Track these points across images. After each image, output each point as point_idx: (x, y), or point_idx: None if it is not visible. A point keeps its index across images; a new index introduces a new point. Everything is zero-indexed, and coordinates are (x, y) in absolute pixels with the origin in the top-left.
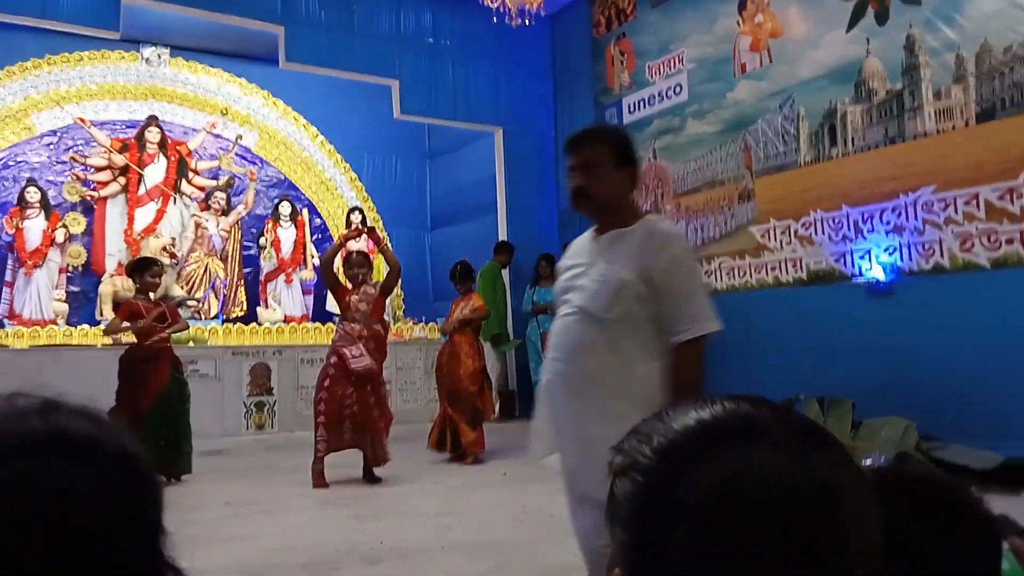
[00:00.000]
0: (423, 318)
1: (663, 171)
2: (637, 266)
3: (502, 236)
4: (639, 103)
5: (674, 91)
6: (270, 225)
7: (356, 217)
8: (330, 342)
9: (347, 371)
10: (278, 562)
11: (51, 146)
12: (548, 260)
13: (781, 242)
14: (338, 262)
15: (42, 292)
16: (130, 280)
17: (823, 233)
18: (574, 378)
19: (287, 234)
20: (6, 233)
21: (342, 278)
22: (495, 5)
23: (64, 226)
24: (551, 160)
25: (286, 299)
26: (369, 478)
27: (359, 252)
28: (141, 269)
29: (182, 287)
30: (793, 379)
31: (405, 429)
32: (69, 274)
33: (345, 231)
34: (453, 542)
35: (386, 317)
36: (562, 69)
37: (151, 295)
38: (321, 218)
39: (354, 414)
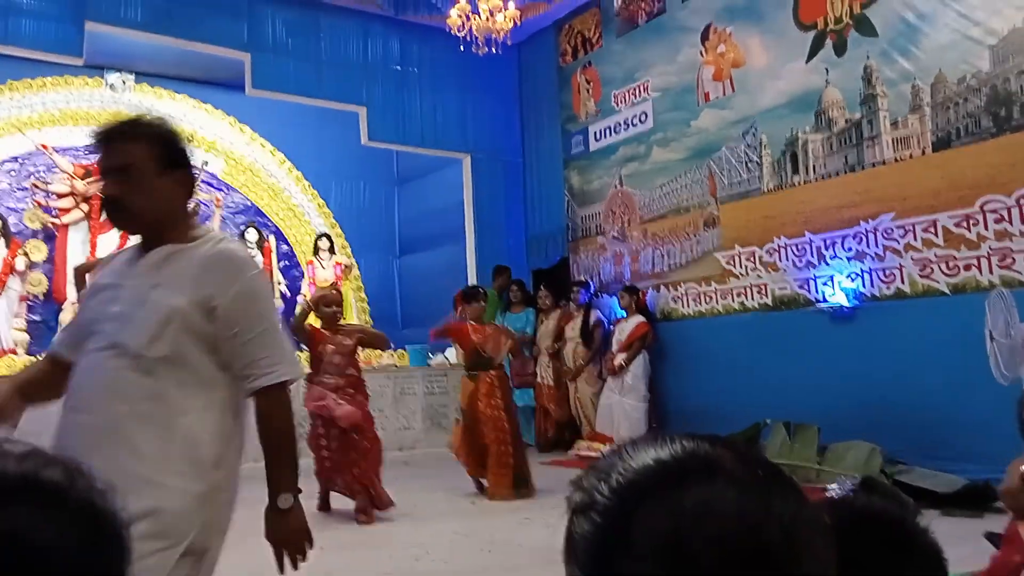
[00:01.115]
0: (392, 345)
1: (629, 198)
2: (195, 293)
3: (471, 262)
4: (605, 131)
5: (639, 119)
6: None
7: (324, 243)
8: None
9: (330, 421)
10: None
11: (12, 172)
12: (519, 286)
13: (746, 268)
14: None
15: (1, 321)
16: None
17: (787, 259)
18: (93, 432)
19: None
20: None
21: (311, 319)
22: (462, 34)
23: (25, 254)
24: (518, 186)
25: None
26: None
27: (334, 288)
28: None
29: None
30: (760, 404)
31: None
32: (30, 302)
33: (316, 285)
34: (420, 572)
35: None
36: (529, 97)
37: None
38: (288, 244)
39: (340, 464)
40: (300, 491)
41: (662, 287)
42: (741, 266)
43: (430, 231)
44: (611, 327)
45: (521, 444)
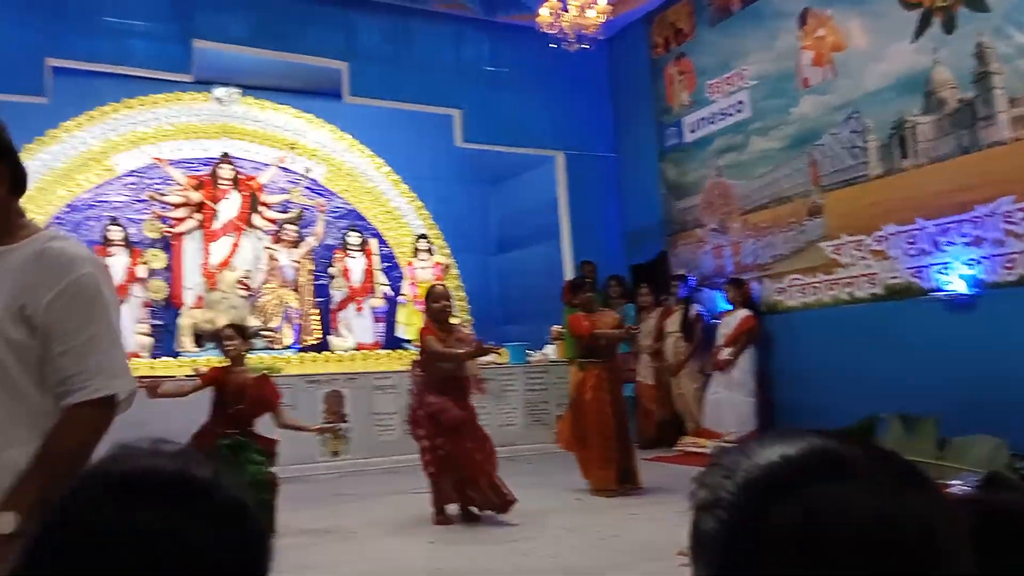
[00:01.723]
0: (492, 342)
1: (728, 189)
2: (14, 300)
3: (567, 259)
4: (700, 122)
5: (736, 108)
6: (339, 255)
7: (422, 244)
8: (412, 386)
9: (438, 423)
10: None
11: (131, 186)
12: (618, 280)
13: (854, 257)
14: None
15: (126, 326)
16: (208, 312)
17: (898, 247)
18: None
19: (356, 263)
20: None
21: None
22: (553, 31)
23: (145, 262)
24: (613, 181)
25: (357, 327)
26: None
27: (440, 284)
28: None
29: (258, 318)
30: (873, 397)
31: None
32: (152, 308)
33: (416, 285)
34: (528, 567)
35: None
36: (621, 91)
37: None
38: (388, 246)
39: (460, 465)
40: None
41: (765, 279)
42: (848, 255)
43: (525, 229)
44: (714, 321)
45: (627, 438)
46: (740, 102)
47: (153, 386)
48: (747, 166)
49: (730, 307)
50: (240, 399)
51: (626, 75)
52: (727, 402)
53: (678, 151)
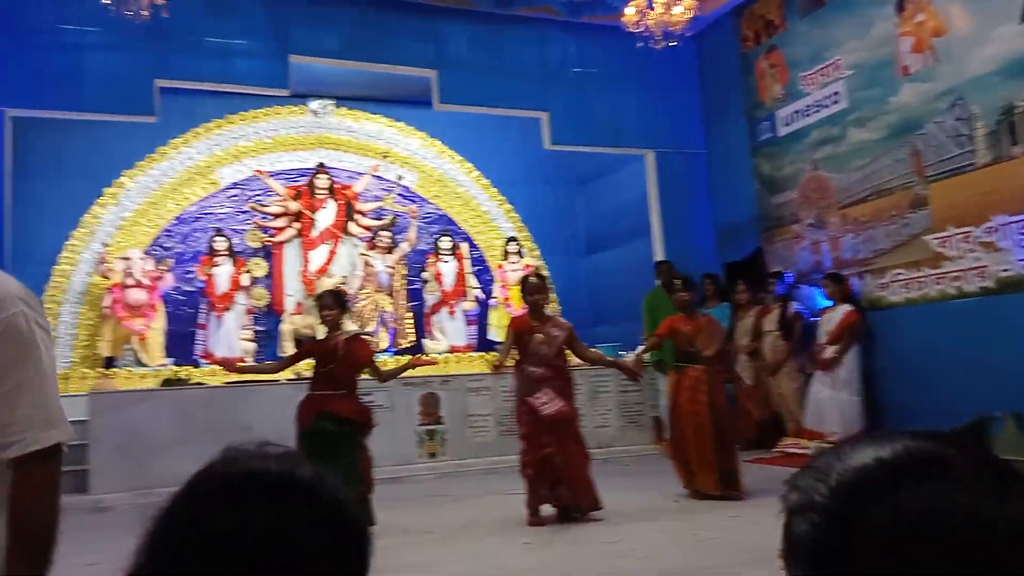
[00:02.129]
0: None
1: (825, 182)
2: None
3: (658, 258)
4: (795, 115)
5: (832, 100)
6: (432, 259)
7: (512, 247)
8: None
9: (540, 420)
10: None
11: (234, 198)
12: (712, 279)
13: (962, 250)
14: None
15: (232, 333)
16: (307, 318)
17: (1009, 238)
18: None
19: (448, 267)
20: (199, 280)
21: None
22: (639, 30)
23: (248, 271)
24: (704, 178)
25: (450, 330)
26: (572, 515)
27: (536, 275)
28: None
29: (355, 323)
30: (985, 395)
31: None
32: (254, 315)
33: (507, 287)
34: (625, 570)
35: None
36: (711, 87)
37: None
38: (479, 250)
39: (557, 464)
40: None
41: (866, 274)
42: (955, 248)
43: (616, 229)
44: (813, 319)
45: (728, 442)
46: (836, 93)
47: (231, 362)
48: (845, 158)
49: (829, 303)
50: (331, 359)
51: (715, 70)
52: (831, 402)
53: (772, 145)
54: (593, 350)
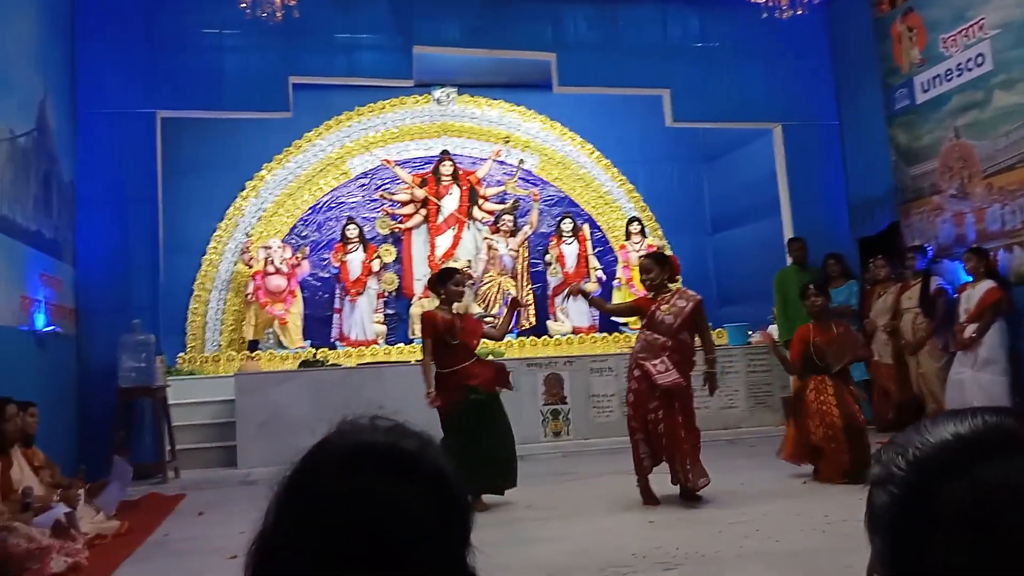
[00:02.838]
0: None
1: (968, 150)
2: None
3: (788, 235)
4: (934, 80)
5: (975, 62)
6: (554, 242)
7: (635, 227)
8: (629, 351)
9: (652, 386)
10: (576, 565)
11: (364, 187)
12: (836, 259)
13: None
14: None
15: (364, 316)
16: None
17: None
18: None
19: (570, 249)
20: (333, 266)
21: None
22: (764, 0)
23: (379, 257)
24: (836, 151)
25: (573, 311)
26: (686, 496)
27: (646, 256)
28: (444, 278)
29: (479, 305)
30: None
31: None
32: (385, 299)
33: (630, 268)
34: (750, 550)
35: None
36: (842, 55)
37: (454, 307)
38: (601, 231)
39: (659, 433)
40: None
41: (1015, 247)
42: None
43: (742, 206)
44: (956, 295)
45: (860, 435)
46: (980, 55)
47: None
48: (990, 124)
49: (971, 279)
50: (454, 334)
51: (847, 37)
52: (973, 382)
53: (909, 114)
54: (708, 336)
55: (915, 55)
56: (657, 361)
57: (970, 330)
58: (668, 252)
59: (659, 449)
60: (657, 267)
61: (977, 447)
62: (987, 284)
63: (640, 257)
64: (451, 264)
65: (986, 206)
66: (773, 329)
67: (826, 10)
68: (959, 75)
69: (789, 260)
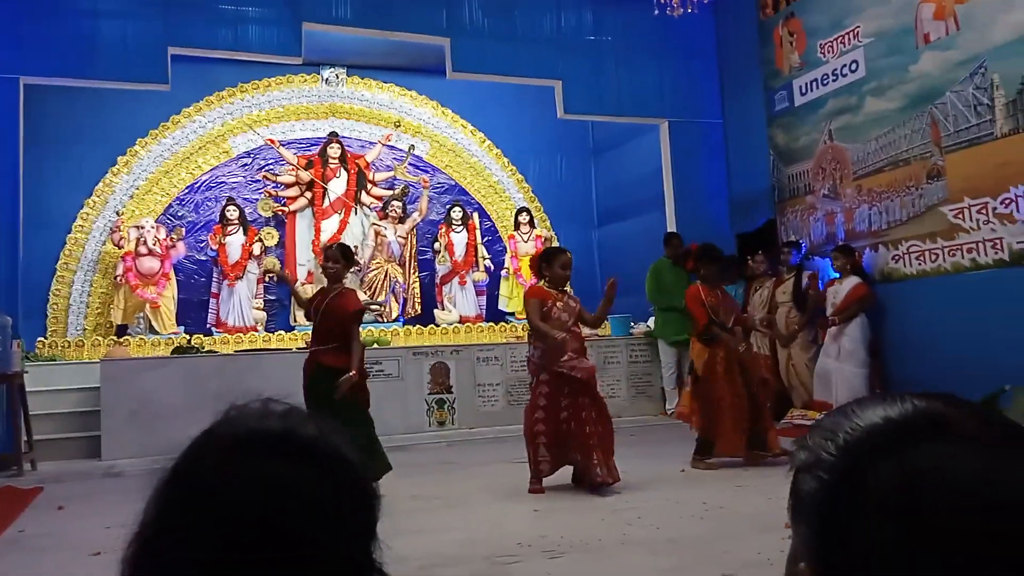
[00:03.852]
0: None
1: (841, 153)
2: None
3: (671, 229)
4: (812, 84)
5: (850, 68)
6: (443, 230)
7: (524, 217)
8: (516, 341)
9: (561, 385)
10: (463, 555)
11: (246, 167)
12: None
13: (978, 221)
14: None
15: (243, 302)
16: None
17: None
18: None
19: (459, 238)
20: (211, 248)
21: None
22: None
23: (260, 240)
24: (719, 149)
25: (460, 300)
26: (593, 491)
27: (565, 253)
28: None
29: (365, 292)
30: (997, 369)
31: None
32: (265, 284)
33: (518, 258)
34: (634, 538)
35: None
36: (728, 56)
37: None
38: (491, 220)
39: (571, 430)
40: None
41: (880, 246)
42: (971, 220)
43: (628, 200)
44: (824, 290)
45: (760, 404)
46: (854, 62)
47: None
48: (862, 128)
49: (838, 276)
50: (317, 313)
51: (733, 39)
52: (838, 373)
53: (787, 115)
54: (593, 314)
55: (795, 59)
56: (565, 357)
57: (832, 317)
58: (555, 243)
59: (566, 451)
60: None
61: (907, 431)
62: (853, 280)
63: (566, 253)
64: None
65: (855, 207)
66: (652, 321)
67: (714, 11)
68: (834, 80)
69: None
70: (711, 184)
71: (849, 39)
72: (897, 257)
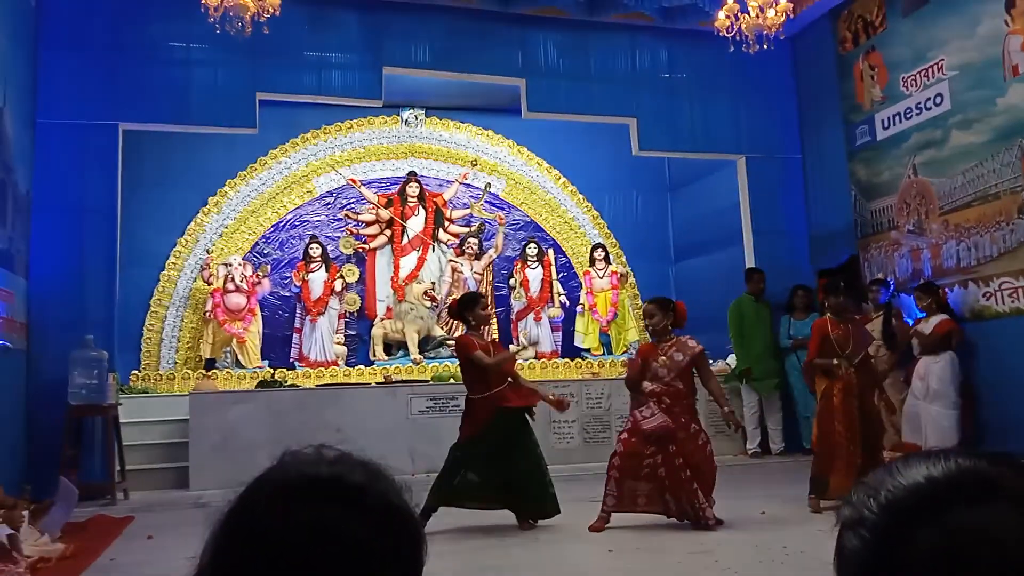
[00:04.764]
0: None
1: (926, 187)
2: None
3: (749, 265)
4: (894, 118)
5: (934, 102)
6: (519, 266)
7: (599, 253)
8: (592, 377)
9: (640, 432)
10: None
11: (328, 205)
12: (804, 290)
13: None
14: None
15: (325, 337)
16: (397, 322)
17: None
18: None
19: (535, 274)
20: (294, 285)
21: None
22: (731, 35)
23: (341, 276)
24: (798, 184)
25: (536, 336)
26: (696, 525)
27: (652, 301)
28: (470, 305)
29: (442, 328)
30: None
31: None
32: (347, 319)
33: (593, 294)
34: None
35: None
36: (806, 91)
37: (483, 330)
38: (566, 256)
39: (660, 476)
40: None
41: (970, 283)
42: None
43: (705, 236)
44: (913, 328)
45: (877, 446)
46: (939, 95)
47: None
48: (947, 163)
49: (923, 315)
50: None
51: (811, 74)
52: (926, 413)
53: (869, 150)
54: (715, 386)
55: (876, 93)
56: (643, 408)
57: (922, 362)
58: (631, 280)
59: (635, 494)
60: (660, 312)
61: (951, 491)
62: (939, 317)
63: (645, 302)
64: (416, 285)
65: (942, 242)
66: (732, 359)
67: (791, 46)
68: (918, 114)
69: (746, 291)
70: (790, 220)
71: (933, 72)
72: (988, 294)
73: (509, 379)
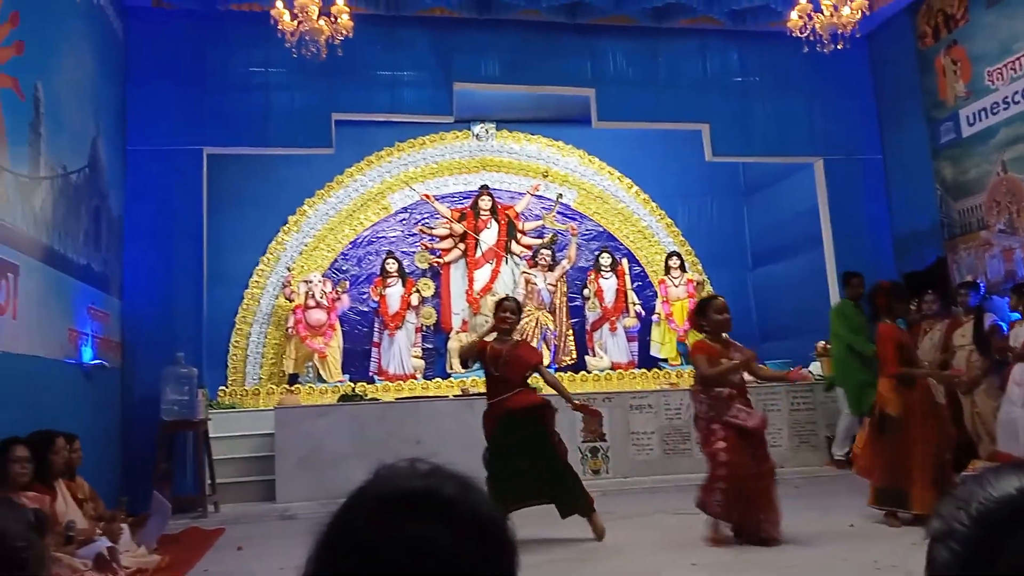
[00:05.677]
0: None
1: (1017, 185)
2: None
3: (830, 269)
4: (980, 113)
5: (1023, 95)
6: (592, 276)
7: (674, 262)
8: (670, 388)
9: (740, 436)
10: None
11: (403, 221)
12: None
13: None
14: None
15: (403, 350)
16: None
17: None
18: None
19: (608, 284)
20: (372, 300)
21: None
22: (805, 34)
23: (417, 291)
24: (879, 185)
25: (612, 346)
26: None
27: (716, 299)
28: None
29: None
30: None
31: None
32: (423, 333)
33: (669, 303)
34: None
35: None
36: (885, 89)
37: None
38: (640, 265)
39: (754, 484)
40: None
41: None
42: None
43: (783, 241)
44: (1008, 332)
45: (945, 464)
46: None
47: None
48: None
49: (1018, 316)
50: (497, 362)
51: (890, 71)
52: (1022, 421)
53: (955, 147)
54: (765, 367)
55: (960, 88)
56: (734, 410)
57: (1018, 368)
58: (708, 288)
59: (743, 505)
60: (727, 311)
61: None
62: None
63: (716, 298)
64: (490, 298)
65: None
66: (815, 366)
67: (868, 44)
68: (1006, 108)
69: (837, 295)
70: (872, 222)
71: (1020, 64)
72: None
73: (518, 388)
